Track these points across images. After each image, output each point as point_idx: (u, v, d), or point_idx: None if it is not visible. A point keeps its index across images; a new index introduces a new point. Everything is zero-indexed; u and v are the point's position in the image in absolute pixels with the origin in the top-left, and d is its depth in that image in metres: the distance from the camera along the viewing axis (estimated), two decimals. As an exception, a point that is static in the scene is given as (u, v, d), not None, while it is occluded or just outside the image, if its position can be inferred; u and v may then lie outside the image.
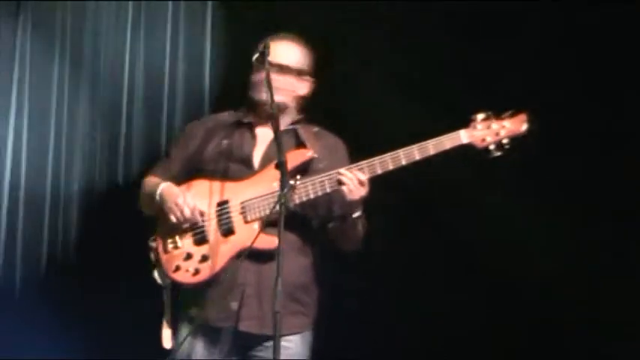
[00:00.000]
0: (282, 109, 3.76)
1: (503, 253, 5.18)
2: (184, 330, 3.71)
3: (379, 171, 3.67)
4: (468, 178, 4.96)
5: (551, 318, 5.24)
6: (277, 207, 3.32)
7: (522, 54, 5.23)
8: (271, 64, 3.70)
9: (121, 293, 5.14)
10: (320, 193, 3.63)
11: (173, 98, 5.55)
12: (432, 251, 5.31)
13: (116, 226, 5.21)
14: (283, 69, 3.80)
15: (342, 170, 3.63)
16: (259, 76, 3.77)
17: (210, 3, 5.58)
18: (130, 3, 5.56)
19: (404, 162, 3.67)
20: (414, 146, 3.68)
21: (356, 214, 3.70)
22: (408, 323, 5.28)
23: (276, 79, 3.72)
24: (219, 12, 5.57)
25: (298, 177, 3.59)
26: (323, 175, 3.65)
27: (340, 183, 3.61)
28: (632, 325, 5.07)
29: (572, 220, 5.11)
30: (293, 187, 3.48)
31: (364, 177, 3.62)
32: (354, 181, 3.61)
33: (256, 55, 3.71)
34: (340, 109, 5.22)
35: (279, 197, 3.32)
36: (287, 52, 3.83)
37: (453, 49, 5.26)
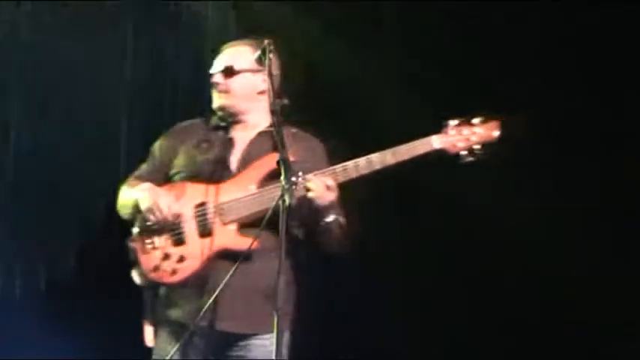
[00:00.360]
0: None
1: (502, 253, 5.18)
2: (162, 330, 3.73)
3: (353, 175, 3.65)
4: (467, 178, 4.95)
5: (552, 318, 5.24)
6: (278, 205, 3.31)
7: (523, 54, 5.23)
8: (217, 73, 3.81)
9: (120, 293, 5.13)
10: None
11: (173, 98, 5.55)
12: (430, 252, 5.31)
13: (116, 225, 5.21)
14: (227, 72, 3.80)
15: (307, 176, 3.61)
16: (223, 80, 3.80)
17: (210, 3, 5.58)
18: (131, 4, 5.57)
19: (378, 166, 3.66)
20: (387, 151, 3.67)
21: (329, 219, 3.67)
22: (408, 324, 5.28)
23: (224, 83, 3.80)
24: (219, 12, 5.58)
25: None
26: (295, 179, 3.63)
27: (308, 189, 3.60)
28: (632, 325, 5.08)
29: (572, 220, 5.11)
30: (295, 184, 3.46)
31: (331, 182, 3.60)
32: (320, 186, 3.59)
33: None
34: (340, 109, 5.22)
35: (282, 193, 3.31)
36: (228, 56, 3.84)
37: (453, 49, 5.27)
